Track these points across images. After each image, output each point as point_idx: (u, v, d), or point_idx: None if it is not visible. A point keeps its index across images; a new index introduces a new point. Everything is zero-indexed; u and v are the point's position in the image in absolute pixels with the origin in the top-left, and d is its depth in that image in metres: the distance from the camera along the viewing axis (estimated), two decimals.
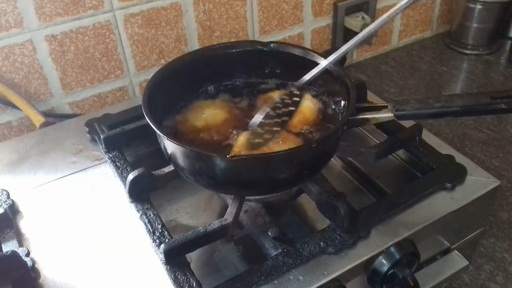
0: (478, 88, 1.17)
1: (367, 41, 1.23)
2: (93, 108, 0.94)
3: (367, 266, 0.56)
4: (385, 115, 0.62)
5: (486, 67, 1.24)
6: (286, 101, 0.67)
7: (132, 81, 0.96)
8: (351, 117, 0.61)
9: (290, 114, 0.66)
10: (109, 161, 0.69)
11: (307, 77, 0.68)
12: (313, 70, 0.67)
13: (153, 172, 0.63)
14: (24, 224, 0.62)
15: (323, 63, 0.66)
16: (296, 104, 0.67)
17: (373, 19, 1.17)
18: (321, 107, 0.68)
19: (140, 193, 0.63)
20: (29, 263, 0.55)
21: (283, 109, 0.66)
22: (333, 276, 0.53)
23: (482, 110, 0.57)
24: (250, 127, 0.64)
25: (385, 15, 0.61)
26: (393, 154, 0.72)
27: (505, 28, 1.32)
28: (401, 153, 0.72)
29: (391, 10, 0.61)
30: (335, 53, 0.65)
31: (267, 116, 0.64)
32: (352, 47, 0.64)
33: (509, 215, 0.84)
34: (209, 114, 0.67)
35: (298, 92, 0.68)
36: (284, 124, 0.64)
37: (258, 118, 0.64)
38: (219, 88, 0.73)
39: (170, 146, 0.58)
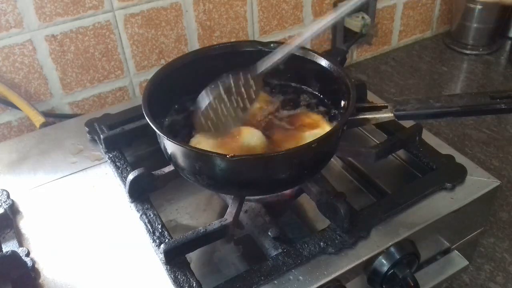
0: (478, 88, 1.17)
1: (367, 40, 1.23)
2: (93, 108, 0.94)
3: (367, 266, 0.56)
4: (385, 115, 0.62)
5: (486, 67, 1.24)
6: (240, 89, 0.63)
7: (132, 81, 0.96)
8: (351, 117, 0.61)
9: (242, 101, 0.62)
10: (109, 161, 0.69)
11: (265, 65, 0.62)
12: (271, 57, 0.61)
13: (153, 172, 0.63)
14: (24, 224, 0.62)
15: (283, 49, 0.61)
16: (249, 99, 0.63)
17: (373, 19, 1.18)
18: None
19: (140, 193, 0.63)
20: (29, 263, 0.55)
21: (236, 97, 0.62)
22: (333, 276, 0.53)
23: (482, 110, 0.57)
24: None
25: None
26: (393, 154, 0.72)
27: (505, 28, 1.32)
28: (401, 153, 0.72)
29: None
30: (302, 36, 0.60)
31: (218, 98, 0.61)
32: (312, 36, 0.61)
33: (509, 215, 0.84)
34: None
35: (252, 83, 0.62)
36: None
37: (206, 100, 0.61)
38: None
39: (170, 146, 0.58)
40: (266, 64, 0.62)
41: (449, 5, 1.32)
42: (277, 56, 0.62)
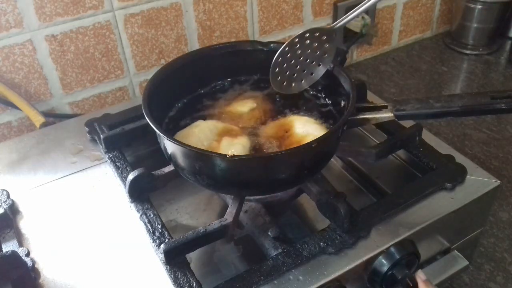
0: (478, 88, 1.17)
1: (367, 40, 1.23)
2: (93, 108, 0.94)
3: (367, 266, 0.56)
4: (385, 115, 0.62)
5: (486, 67, 1.24)
6: (312, 41, 0.65)
7: (132, 81, 0.96)
8: (351, 117, 0.61)
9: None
10: (109, 161, 0.69)
11: (340, 22, 0.65)
12: (347, 15, 0.64)
13: (153, 172, 0.63)
14: (24, 224, 0.62)
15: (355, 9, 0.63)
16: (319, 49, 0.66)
17: (373, 19, 1.18)
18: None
19: (140, 193, 0.63)
20: (29, 263, 0.55)
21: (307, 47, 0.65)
22: (333, 276, 0.53)
23: (482, 110, 0.57)
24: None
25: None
26: (393, 154, 0.72)
27: (505, 28, 1.32)
28: (401, 153, 0.72)
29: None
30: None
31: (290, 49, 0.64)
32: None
33: (509, 215, 0.84)
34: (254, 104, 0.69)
35: (324, 37, 0.65)
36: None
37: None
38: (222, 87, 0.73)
39: (170, 146, 0.58)
40: (339, 21, 0.65)
41: (449, 5, 1.33)
42: (349, 16, 0.64)
